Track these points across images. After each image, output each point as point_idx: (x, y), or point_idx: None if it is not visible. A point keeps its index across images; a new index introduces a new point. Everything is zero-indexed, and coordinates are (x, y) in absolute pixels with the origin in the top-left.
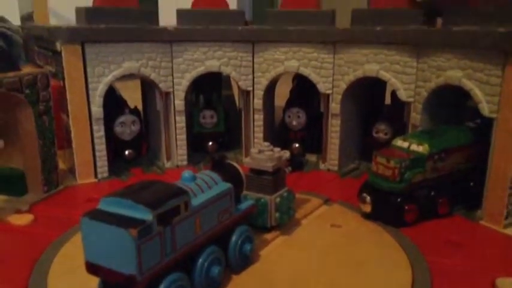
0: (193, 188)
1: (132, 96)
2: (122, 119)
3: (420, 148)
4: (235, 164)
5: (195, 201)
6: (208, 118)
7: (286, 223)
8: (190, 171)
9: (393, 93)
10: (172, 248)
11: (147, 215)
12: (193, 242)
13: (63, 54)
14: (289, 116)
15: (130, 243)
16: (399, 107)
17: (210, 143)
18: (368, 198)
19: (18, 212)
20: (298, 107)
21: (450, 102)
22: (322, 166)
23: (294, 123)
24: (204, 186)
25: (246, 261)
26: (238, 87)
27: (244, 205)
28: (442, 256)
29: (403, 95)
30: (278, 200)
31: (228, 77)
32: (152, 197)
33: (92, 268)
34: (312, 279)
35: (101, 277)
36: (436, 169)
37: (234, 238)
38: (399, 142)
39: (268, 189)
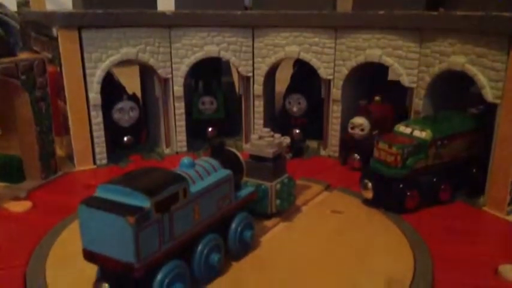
0: (192, 174)
1: (131, 82)
2: (120, 105)
3: (423, 134)
4: (234, 151)
5: (194, 188)
6: (207, 104)
7: (287, 210)
8: (190, 157)
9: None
10: (170, 236)
11: (145, 202)
12: (192, 230)
13: (59, 39)
14: (289, 102)
15: (128, 230)
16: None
17: (210, 129)
18: (369, 184)
19: (16, 199)
20: (299, 93)
21: (453, 88)
22: (323, 152)
23: (295, 109)
24: (203, 173)
25: (246, 248)
26: (238, 72)
27: (244, 192)
28: (444, 242)
29: (405, 80)
30: (278, 186)
31: (227, 63)
32: (150, 184)
33: (90, 255)
34: (313, 265)
35: (99, 264)
36: (438, 155)
37: (234, 225)
38: (401, 128)
39: (269, 175)
